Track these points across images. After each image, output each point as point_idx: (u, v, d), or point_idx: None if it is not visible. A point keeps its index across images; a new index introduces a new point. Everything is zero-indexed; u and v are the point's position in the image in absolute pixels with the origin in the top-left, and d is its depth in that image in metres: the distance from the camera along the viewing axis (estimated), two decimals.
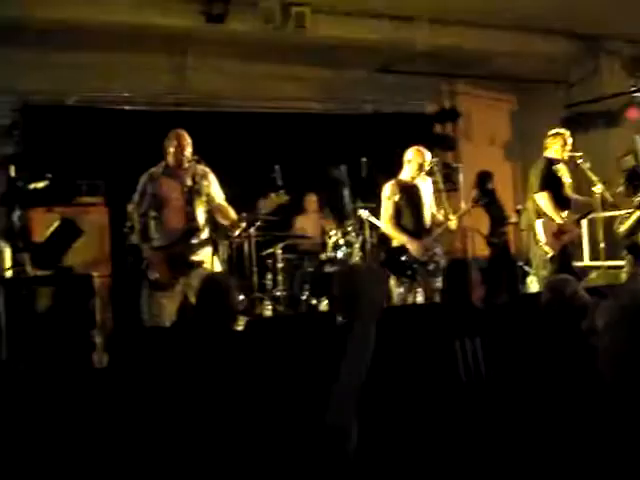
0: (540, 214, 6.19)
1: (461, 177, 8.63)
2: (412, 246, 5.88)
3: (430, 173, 6.08)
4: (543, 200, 6.16)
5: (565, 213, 6.23)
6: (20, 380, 3.22)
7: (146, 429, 2.84)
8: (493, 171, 8.84)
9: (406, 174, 6.03)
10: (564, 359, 3.31)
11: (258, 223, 6.34)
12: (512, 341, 3.73)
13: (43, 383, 3.20)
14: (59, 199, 6.96)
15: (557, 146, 6.30)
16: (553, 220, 6.14)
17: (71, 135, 7.76)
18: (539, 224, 6.15)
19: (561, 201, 6.21)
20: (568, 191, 6.35)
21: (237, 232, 5.44)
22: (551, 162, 6.27)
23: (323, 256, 7.30)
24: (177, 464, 2.71)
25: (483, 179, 8.47)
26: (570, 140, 6.34)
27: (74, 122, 7.86)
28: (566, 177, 6.33)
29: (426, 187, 6.10)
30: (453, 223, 6.00)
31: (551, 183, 6.20)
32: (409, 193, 6.00)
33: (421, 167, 5.96)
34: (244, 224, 5.37)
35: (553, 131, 6.47)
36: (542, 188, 6.18)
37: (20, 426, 2.58)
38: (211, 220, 5.41)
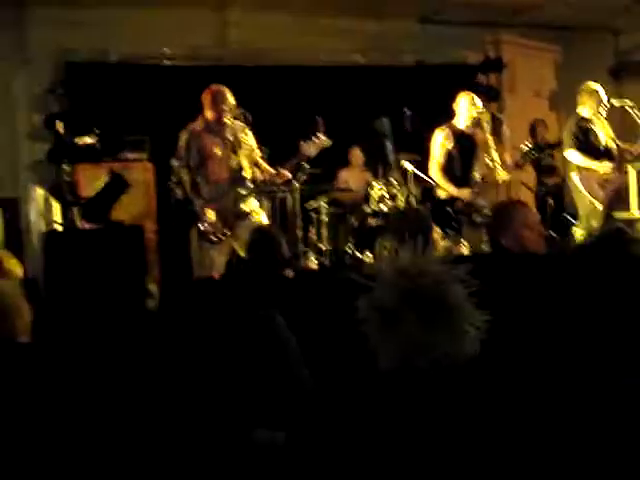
0: (577, 168, 6.08)
1: (505, 128, 8.47)
2: (461, 195, 5.83)
3: (478, 124, 6.00)
4: (573, 156, 6.03)
5: (605, 162, 6.07)
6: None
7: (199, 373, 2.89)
8: None
9: (460, 122, 5.93)
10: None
11: (306, 168, 6.16)
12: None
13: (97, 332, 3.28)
14: (105, 154, 7.04)
15: (592, 103, 6.14)
16: (593, 171, 6.01)
17: (114, 92, 7.80)
18: (575, 177, 6.04)
19: (597, 154, 6.07)
20: (608, 143, 6.19)
21: (280, 180, 5.49)
22: (583, 120, 6.12)
23: (367, 209, 7.27)
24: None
25: (533, 129, 8.24)
26: (605, 98, 6.16)
27: (117, 79, 7.89)
28: (601, 132, 6.17)
29: (480, 138, 6.01)
30: (502, 176, 5.94)
31: (582, 140, 6.05)
32: (463, 142, 5.91)
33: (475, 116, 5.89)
34: (288, 173, 5.41)
35: (588, 87, 6.28)
36: (571, 145, 6.06)
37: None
38: (254, 173, 5.46)
